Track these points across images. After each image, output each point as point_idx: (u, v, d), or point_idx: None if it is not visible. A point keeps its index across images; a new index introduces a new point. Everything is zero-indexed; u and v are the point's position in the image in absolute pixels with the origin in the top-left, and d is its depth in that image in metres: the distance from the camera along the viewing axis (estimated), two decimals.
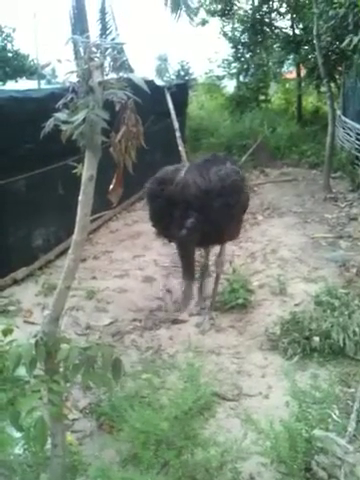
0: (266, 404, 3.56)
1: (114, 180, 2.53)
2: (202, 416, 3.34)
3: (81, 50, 2.29)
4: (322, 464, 2.78)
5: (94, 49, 2.19)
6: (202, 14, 17.84)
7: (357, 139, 10.90)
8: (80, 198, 2.21)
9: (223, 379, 3.91)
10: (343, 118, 13.09)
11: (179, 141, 8.29)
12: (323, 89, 12.62)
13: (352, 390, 3.63)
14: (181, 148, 8.25)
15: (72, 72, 2.20)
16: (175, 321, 4.94)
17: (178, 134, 8.43)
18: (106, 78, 2.17)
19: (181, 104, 12.24)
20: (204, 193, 4.35)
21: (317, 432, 2.83)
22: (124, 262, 6.55)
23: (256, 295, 5.26)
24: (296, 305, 4.97)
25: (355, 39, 7.90)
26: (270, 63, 18.58)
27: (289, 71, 19.86)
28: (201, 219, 4.35)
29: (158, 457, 2.78)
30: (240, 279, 5.25)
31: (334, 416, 3.23)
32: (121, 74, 2.28)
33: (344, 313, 4.14)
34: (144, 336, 4.68)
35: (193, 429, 3.03)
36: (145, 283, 5.89)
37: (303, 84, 17.40)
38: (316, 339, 3.99)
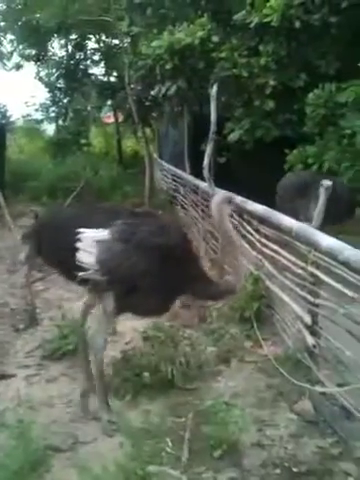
0: (102, 448, 3.51)
1: None
2: (35, 473, 3.18)
3: None
4: None
5: None
6: (17, 58, 17.72)
7: (173, 180, 11.68)
8: None
9: (57, 430, 3.77)
10: (159, 161, 13.95)
11: None
12: (140, 134, 13.33)
13: (183, 419, 3.77)
14: None
15: None
16: (2, 377, 4.66)
17: None
18: None
19: None
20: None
21: (151, 468, 2.89)
22: None
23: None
24: (126, 343, 5.05)
25: (163, 89, 8.61)
26: (89, 108, 19.10)
27: (107, 116, 20.60)
28: None
29: None
30: (70, 324, 5.17)
31: (167, 448, 3.35)
32: None
33: (170, 345, 4.34)
34: None
35: None
36: None
37: (121, 129, 18.19)
38: (146, 375, 4.09)
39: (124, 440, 3.29)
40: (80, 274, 3.48)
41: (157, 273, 3.57)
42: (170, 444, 3.40)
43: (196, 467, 3.27)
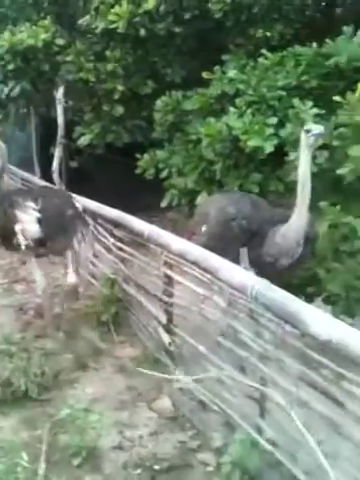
0: None
1: None
2: None
3: None
4: None
5: None
6: None
7: (23, 184, 11.16)
8: None
9: None
10: (8, 166, 13.26)
11: None
12: None
13: (39, 432, 3.61)
14: None
15: None
16: None
17: None
18: None
19: None
20: None
21: None
22: None
23: None
24: None
25: (6, 89, 8.25)
26: None
27: None
28: None
29: None
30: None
31: (23, 463, 3.19)
32: None
33: (23, 358, 4.14)
34: None
35: None
36: None
37: None
38: None
39: None
40: None
41: None
42: (26, 458, 3.24)
43: (55, 478, 3.16)
